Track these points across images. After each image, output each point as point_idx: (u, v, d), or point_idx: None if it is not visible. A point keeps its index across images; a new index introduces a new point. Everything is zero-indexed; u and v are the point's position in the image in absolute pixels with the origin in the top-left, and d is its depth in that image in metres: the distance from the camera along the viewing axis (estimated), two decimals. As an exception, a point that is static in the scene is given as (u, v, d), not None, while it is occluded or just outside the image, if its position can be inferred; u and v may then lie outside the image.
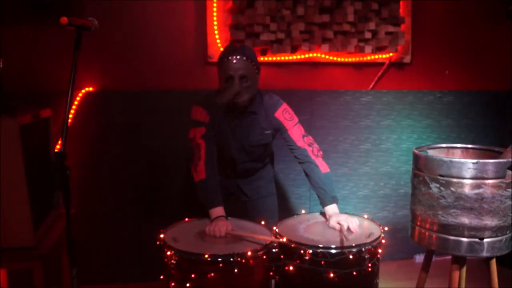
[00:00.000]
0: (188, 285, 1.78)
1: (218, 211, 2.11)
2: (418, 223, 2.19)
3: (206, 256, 1.75)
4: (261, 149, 2.35)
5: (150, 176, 3.09)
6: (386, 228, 2.09)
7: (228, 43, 2.40)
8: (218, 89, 2.26)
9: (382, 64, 3.40)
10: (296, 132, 2.27)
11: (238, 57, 2.13)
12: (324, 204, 2.19)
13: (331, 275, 1.83)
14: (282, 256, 1.91)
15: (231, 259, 1.75)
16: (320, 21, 3.16)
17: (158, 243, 1.93)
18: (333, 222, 2.10)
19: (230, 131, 2.28)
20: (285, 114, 2.29)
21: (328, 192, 2.18)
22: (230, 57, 2.14)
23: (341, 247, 1.86)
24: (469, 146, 2.44)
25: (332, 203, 2.17)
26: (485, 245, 2.03)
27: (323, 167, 2.23)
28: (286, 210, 3.31)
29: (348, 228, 2.05)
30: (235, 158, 2.33)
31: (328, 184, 2.20)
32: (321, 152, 2.27)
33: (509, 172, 2.03)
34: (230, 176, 2.41)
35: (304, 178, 2.31)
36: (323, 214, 2.28)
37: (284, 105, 2.31)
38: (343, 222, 2.06)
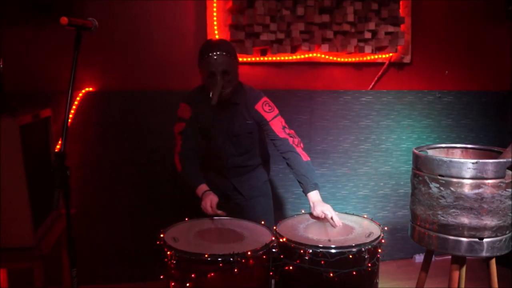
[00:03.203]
0: (188, 285, 1.77)
1: (203, 187, 2.26)
2: (418, 223, 2.20)
3: (206, 256, 1.75)
4: (246, 139, 2.38)
5: (150, 176, 3.09)
6: (386, 228, 2.09)
7: (207, 40, 2.51)
8: (202, 84, 2.31)
9: (382, 64, 3.41)
10: (276, 123, 2.31)
11: (218, 53, 2.15)
12: (306, 190, 2.23)
13: (331, 275, 1.83)
14: (282, 256, 1.91)
15: (231, 259, 1.75)
16: (320, 21, 3.16)
17: (158, 243, 1.93)
18: (318, 211, 2.16)
19: (215, 122, 2.33)
20: (264, 107, 2.33)
21: (310, 179, 2.23)
22: (210, 54, 2.16)
23: (340, 246, 1.86)
24: (469, 146, 2.44)
25: (314, 189, 2.22)
26: (485, 245, 2.04)
27: (304, 156, 2.28)
28: (285, 210, 3.31)
29: (332, 219, 2.12)
30: (222, 152, 2.37)
31: (310, 171, 2.25)
32: (302, 144, 2.32)
33: (508, 172, 2.03)
34: (224, 175, 2.44)
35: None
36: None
37: (264, 98, 2.35)
38: (327, 212, 2.13)
